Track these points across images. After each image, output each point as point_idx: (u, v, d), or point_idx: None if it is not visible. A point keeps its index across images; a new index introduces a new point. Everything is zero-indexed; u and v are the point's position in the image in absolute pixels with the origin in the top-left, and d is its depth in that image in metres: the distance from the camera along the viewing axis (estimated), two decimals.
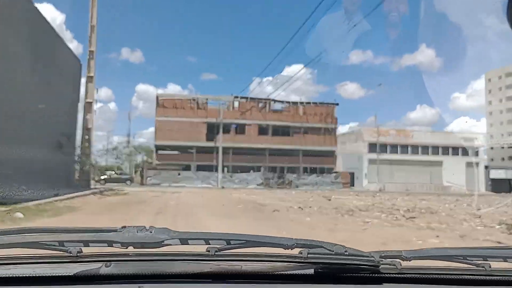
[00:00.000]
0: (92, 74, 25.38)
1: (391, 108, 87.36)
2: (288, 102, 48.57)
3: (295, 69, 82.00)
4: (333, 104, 49.92)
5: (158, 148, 45.42)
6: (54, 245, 1.09)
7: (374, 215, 12.34)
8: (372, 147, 48.85)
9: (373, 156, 48.46)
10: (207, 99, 46.16)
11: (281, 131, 48.20)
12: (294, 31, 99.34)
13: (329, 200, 20.37)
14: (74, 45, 53.37)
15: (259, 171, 43.75)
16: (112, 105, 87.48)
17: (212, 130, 45.16)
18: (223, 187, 39.63)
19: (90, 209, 12.43)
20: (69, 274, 1.07)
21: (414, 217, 11.74)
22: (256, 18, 79.07)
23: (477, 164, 47.10)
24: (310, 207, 15.20)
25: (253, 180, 42.60)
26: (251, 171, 44.01)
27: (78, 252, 1.10)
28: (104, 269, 1.09)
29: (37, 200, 11.93)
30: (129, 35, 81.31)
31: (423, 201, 20.93)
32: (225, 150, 46.14)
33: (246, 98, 47.14)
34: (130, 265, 1.12)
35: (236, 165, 45.75)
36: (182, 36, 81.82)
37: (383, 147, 48.66)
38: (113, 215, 11.00)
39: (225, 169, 44.73)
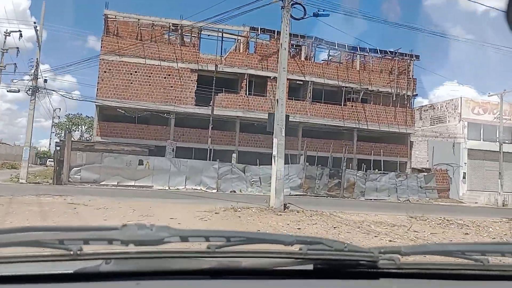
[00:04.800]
0: None
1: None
2: (339, 47, 27.78)
3: None
4: (410, 56, 29.58)
5: (101, 112, 24.29)
6: (54, 244, 1.09)
7: None
8: (474, 129, 28.68)
9: (476, 144, 28.33)
10: (200, 28, 25.05)
11: (326, 96, 27.63)
12: None
13: None
14: None
15: (294, 162, 23.23)
16: None
17: (206, 86, 24.38)
18: (232, 191, 19.53)
19: None
20: (69, 272, 1.08)
21: None
22: None
23: None
24: None
25: (284, 180, 21.82)
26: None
27: (78, 250, 1.08)
28: (104, 267, 1.09)
29: None
30: None
31: None
32: (229, 122, 25.49)
33: (271, 32, 26.32)
34: (130, 263, 1.13)
35: (249, 151, 25.21)
36: None
37: (490, 130, 28.57)
38: None
39: (233, 155, 24.02)
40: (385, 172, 25.01)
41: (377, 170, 25.22)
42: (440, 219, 10.45)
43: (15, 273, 1.07)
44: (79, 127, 45.29)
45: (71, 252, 1.08)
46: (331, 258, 1.15)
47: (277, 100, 10.33)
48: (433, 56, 69.01)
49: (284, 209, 9.53)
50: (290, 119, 27.53)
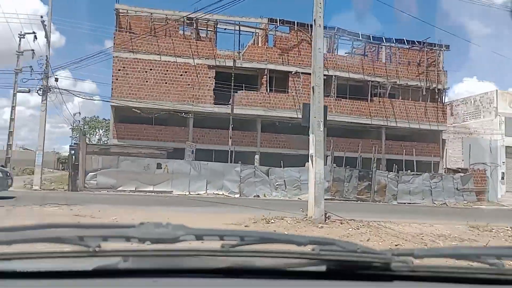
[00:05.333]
0: None
1: None
2: (363, 38, 26.13)
3: None
4: (439, 46, 27.72)
5: (117, 113, 23.22)
6: (74, 240, 1.12)
7: None
8: None
9: None
10: (216, 21, 23.74)
11: (351, 91, 26.02)
12: None
13: None
14: None
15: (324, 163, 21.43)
16: None
17: (224, 84, 23.07)
18: (255, 196, 18.21)
19: None
20: (88, 268, 1.10)
21: None
22: None
23: None
24: None
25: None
26: (307, 163, 21.60)
27: (97, 247, 1.11)
28: (122, 264, 1.12)
29: None
30: None
31: None
32: (250, 121, 24.19)
33: (291, 24, 24.84)
34: (147, 260, 1.16)
35: (272, 153, 23.83)
36: None
37: None
38: None
39: (255, 157, 22.74)
40: (418, 173, 23.22)
41: (409, 171, 23.46)
42: (507, 229, 8.83)
43: (36, 269, 1.11)
44: (97, 130, 44.50)
45: (90, 249, 1.10)
46: (344, 259, 1.15)
47: (313, 88, 8.85)
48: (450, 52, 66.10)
49: (325, 220, 8.07)
50: None
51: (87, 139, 34.62)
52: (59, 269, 1.10)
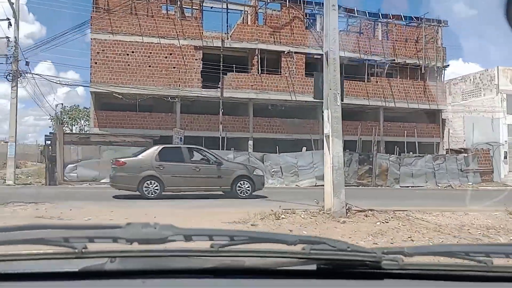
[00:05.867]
0: None
1: None
2: (359, 14, 24.68)
3: None
4: (437, 22, 26.43)
5: (98, 100, 21.49)
6: (59, 241, 1.10)
7: None
8: None
9: None
10: None
11: (347, 71, 24.56)
12: None
13: None
14: None
15: (312, 148, 20.44)
16: None
17: (213, 65, 21.43)
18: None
19: None
20: (74, 270, 1.09)
21: None
22: None
23: None
24: None
25: (308, 168, 19.36)
26: (303, 148, 20.45)
27: (83, 248, 1.09)
28: (109, 265, 1.10)
29: None
30: None
31: None
32: (241, 105, 22.75)
33: (282, 0, 23.22)
34: (134, 261, 1.14)
35: (265, 138, 22.41)
36: None
37: None
38: None
39: (249, 143, 21.31)
40: (421, 155, 22.05)
41: (411, 152, 22.27)
42: None
43: (20, 271, 1.08)
44: (77, 120, 42.35)
45: (76, 250, 1.09)
46: (334, 258, 1.15)
47: (326, 53, 7.41)
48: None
49: (347, 213, 6.66)
50: (307, 100, 24.63)
51: (66, 129, 32.79)
52: (44, 271, 1.09)
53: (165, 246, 1.09)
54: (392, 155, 21.48)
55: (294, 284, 1.14)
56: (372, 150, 21.16)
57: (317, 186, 19.90)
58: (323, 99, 7.55)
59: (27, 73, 16.85)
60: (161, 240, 1.09)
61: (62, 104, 43.71)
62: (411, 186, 20.73)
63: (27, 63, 16.89)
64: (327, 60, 7.39)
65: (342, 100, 7.55)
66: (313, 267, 1.14)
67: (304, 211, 6.98)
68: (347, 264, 1.14)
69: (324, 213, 6.78)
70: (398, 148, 22.08)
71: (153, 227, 1.12)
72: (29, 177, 21.14)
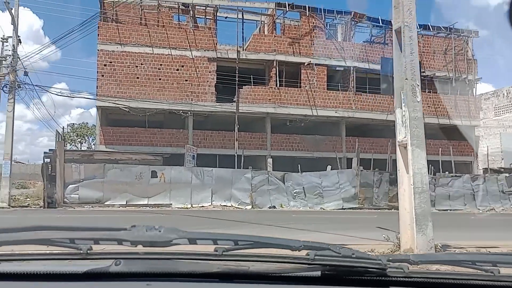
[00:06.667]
0: None
1: None
2: (383, 24, 23.03)
3: None
4: (467, 32, 24.64)
5: (105, 116, 19.91)
6: (65, 243, 1.10)
7: None
8: None
9: None
10: (215, 8, 20.54)
11: (371, 84, 22.78)
12: None
13: None
14: None
15: (337, 167, 18.42)
16: None
17: (228, 78, 19.78)
18: (271, 207, 14.95)
19: None
20: (79, 271, 1.09)
21: None
22: None
23: None
24: None
25: (334, 189, 17.31)
26: (328, 167, 18.37)
27: (88, 250, 1.10)
28: (114, 267, 1.10)
29: None
30: None
31: None
32: (258, 121, 20.96)
33: (301, 9, 21.67)
34: (139, 263, 1.14)
35: (284, 156, 20.52)
36: None
37: None
38: None
39: (268, 161, 19.38)
40: (458, 175, 19.91)
41: (447, 172, 20.14)
42: None
43: (26, 271, 1.08)
44: (85, 138, 41.19)
45: (81, 251, 1.08)
46: (339, 265, 1.13)
47: (399, 30, 5.54)
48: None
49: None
50: (331, 114, 22.59)
51: (74, 147, 31.17)
52: (50, 272, 1.08)
53: (170, 249, 1.09)
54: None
55: None
56: (387, 168, 19.14)
57: (344, 209, 17.90)
58: (393, 94, 5.66)
59: (25, 83, 15.33)
60: (165, 243, 1.09)
61: (74, 124, 42.59)
62: (449, 209, 18.56)
63: (25, 73, 15.40)
64: (400, 40, 5.55)
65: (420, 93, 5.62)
66: (317, 273, 1.13)
67: (370, 252, 5.03)
68: (352, 271, 1.13)
69: (399, 252, 4.81)
70: (433, 167, 19.97)
71: (158, 230, 1.11)
72: (28, 199, 19.43)
